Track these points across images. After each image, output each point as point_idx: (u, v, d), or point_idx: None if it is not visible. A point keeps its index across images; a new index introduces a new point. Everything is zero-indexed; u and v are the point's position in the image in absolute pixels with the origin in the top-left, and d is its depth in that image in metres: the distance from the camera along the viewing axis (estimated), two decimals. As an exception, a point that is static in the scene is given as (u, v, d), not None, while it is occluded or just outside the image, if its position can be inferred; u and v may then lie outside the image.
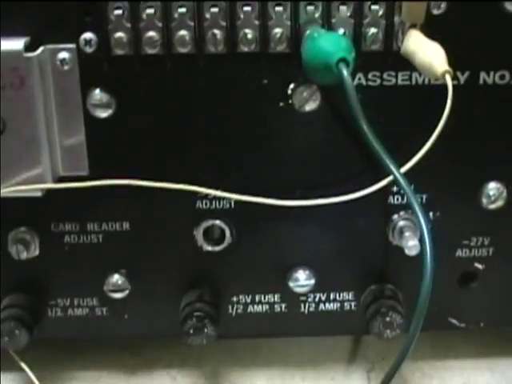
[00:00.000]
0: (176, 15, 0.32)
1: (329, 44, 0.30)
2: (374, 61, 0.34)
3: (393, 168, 0.30)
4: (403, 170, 0.32)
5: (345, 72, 0.30)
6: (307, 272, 0.38)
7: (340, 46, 0.30)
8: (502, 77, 0.35)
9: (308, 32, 0.32)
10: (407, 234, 0.36)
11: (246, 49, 0.33)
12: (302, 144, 0.35)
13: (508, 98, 0.35)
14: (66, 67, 0.33)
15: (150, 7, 0.32)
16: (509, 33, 0.34)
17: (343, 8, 0.32)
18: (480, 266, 0.39)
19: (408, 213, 0.37)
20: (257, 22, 0.32)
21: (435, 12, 0.33)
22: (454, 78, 0.34)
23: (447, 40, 0.33)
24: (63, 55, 0.33)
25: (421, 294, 0.30)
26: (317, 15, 0.32)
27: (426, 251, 0.29)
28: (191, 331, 0.37)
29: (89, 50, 0.33)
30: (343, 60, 0.30)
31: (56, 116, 0.34)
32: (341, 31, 0.33)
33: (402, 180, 0.30)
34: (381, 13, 0.33)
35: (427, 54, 0.31)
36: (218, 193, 0.35)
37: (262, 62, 0.33)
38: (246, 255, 0.38)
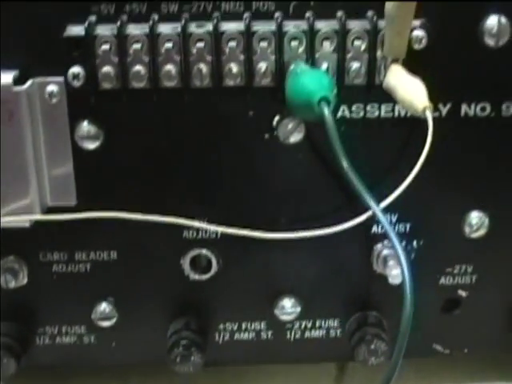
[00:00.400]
0: (162, 50, 0.33)
1: (310, 82, 0.31)
2: (358, 93, 0.34)
3: (372, 205, 0.30)
4: (384, 204, 0.33)
5: (326, 111, 0.30)
6: (293, 300, 0.38)
7: (321, 85, 0.31)
8: (483, 109, 0.35)
9: (292, 67, 0.33)
10: (391, 262, 0.37)
11: (231, 83, 0.33)
12: (288, 175, 0.36)
13: (488, 130, 0.36)
14: (54, 100, 0.34)
15: (137, 42, 0.33)
16: (489, 66, 0.34)
17: (326, 43, 0.33)
18: (463, 294, 0.39)
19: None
20: (242, 57, 0.33)
21: (416, 47, 0.33)
22: (436, 110, 0.35)
23: (429, 73, 0.34)
24: (51, 88, 0.33)
25: (401, 325, 0.30)
26: (301, 50, 0.33)
27: (405, 288, 0.29)
28: (178, 359, 0.37)
29: (77, 83, 0.33)
30: (324, 99, 0.30)
31: (44, 147, 0.34)
32: (324, 66, 0.33)
33: (381, 216, 0.30)
34: (363, 48, 0.33)
35: (408, 89, 0.32)
36: (204, 225, 0.35)
37: (247, 96, 0.34)
38: (233, 283, 0.38)
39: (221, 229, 0.35)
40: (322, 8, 0.33)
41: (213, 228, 0.35)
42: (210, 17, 0.33)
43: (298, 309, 0.39)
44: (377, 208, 0.30)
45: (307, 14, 0.33)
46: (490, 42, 0.34)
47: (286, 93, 0.32)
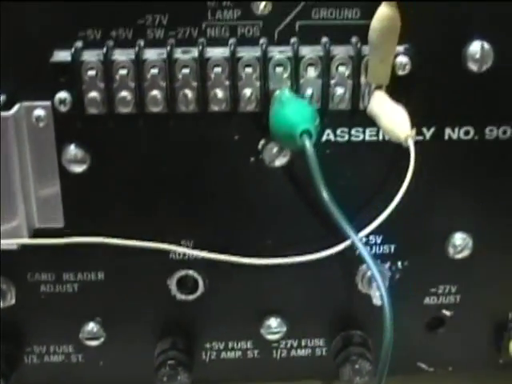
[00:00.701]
0: (148, 76, 0.33)
1: (293, 114, 0.31)
2: (342, 118, 0.35)
3: (353, 236, 0.31)
4: (366, 231, 0.33)
5: (307, 144, 0.31)
6: (279, 320, 0.39)
7: (304, 117, 0.31)
8: (467, 133, 0.36)
9: (276, 93, 0.33)
10: (375, 283, 0.37)
11: (216, 108, 0.34)
12: (274, 198, 0.36)
13: (472, 153, 0.36)
14: (41, 124, 0.34)
15: (123, 68, 0.33)
16: (473, 91, 0.35)
17: (311, 69, 0.33)
18: (447, 313, 0.39)
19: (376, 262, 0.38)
20: (227, 83, 0.33)
21: (400, 73, 0.34)
22: (420, 133, 0.35)
23: (413, 98, 0.34)
24: (38, 113, 0.34)
25: (383, 350, 0.30)
26: (285, 76, 0.33)
27: (386, 322, 0.29)
28: (165, 379, 0.38)
29: (63, 108, 0.33)
30: (306, 131, 0.31)
31: (31, 170, 0.35)
32: (309, 91, 0.34)
33: (361, 246, 0.31)
34: (347, 73, 0.33)
35: (391, 117, 0.32)
36: (188, 250, 0.36)
37: (232, 121, 0.34)
38: (219, 303, 0.38)
39: (205, 254, 0.36)
40: (306, 34, 0.34)
41: (197, 253, 0.36)
42: (196, 42, 0.33)
43: (284, 328, 0.39)
44: (357, 239, 0.31)
45: (292, 40, 0.33)
46: (473, 67, 0.34)
47: (270, 122, 0.33)
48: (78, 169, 0.35)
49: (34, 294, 0.38)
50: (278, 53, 0.33)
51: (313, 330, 0.40)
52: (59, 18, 0.33)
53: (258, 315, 0.39)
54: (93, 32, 0.33)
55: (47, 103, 0.34)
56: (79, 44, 0.33)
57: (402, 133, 0.32)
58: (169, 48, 0.33)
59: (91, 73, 0.33)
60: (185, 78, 0.33)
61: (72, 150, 0.35)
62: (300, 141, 0.31)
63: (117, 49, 0.33)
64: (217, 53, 0.33)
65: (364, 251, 0.30)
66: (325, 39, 0.33)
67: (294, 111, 0.32)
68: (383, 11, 0.32)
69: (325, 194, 0.31)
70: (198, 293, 0.38)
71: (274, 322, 0.39)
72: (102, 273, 0.38)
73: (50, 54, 0.33)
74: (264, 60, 0.33)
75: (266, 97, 0.33)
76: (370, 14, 0.33)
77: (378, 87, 0.33)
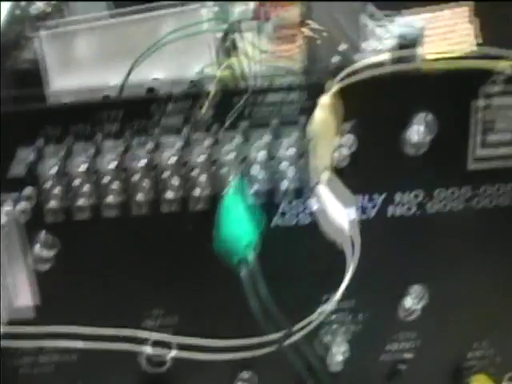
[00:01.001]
0: (102, 183, 0.34)
1: (231, 237, 0.33)
2: (292, 201, 0.37)
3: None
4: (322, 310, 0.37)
5: (243, 274, 0.33)
6: (250, 373, 0.41)
7: (241, 240, 0.33)
8: (416, 196, 0.37)
9: (225, 196, 0.35)
10: (334, 349, 0.40)
11: (167, 209, 0.35)
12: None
13: (421, 215, 0.38)
14: (6, 229, 0.35)
15: (79, 177, 0.34)
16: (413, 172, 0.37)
17: (261, 153, 0.35)
18: (409, 356, 0.42)
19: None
20: (177, 183, 0.35)
21: (344, 153, 0.35)
22: (371, 200, 0.37)
23: (358, 173, 0.36)
24: (3, 220, 0.35)
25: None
26: (237, 162, 0.35)
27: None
28: None
29: (24, 219, 0.35)
30: (243, 260, 0.33)
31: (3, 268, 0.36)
32: (260, 175, 0.35)
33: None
34: (296, 155, 0.35)
35: (333, 216, 0.34)
36: (154, 334, 0.38)
37: (184, 217, 0.36)
38: (191, 365, 0.40)
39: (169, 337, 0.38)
40: (256, 119, 0.35)
41: (164, 352, 0.38)
42: (151, 134, 0.35)
43: (256, 379, 0.41)
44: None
45: (241, 126, 0.35)
46: (413, 139, 0.36)
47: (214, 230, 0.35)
48: (45, 266, 0.36)
49: (13, 376, 0.39)
50: (228, 142, 0.35)
51: (282, 380, 0.41)
52: (20, 119, 0.34)
53: (231, 371, 0.41)
54: (53, 130, 0.34)
55: (10, 211, 0.35)
56: (34, 156, 0.34)
57: (341, 233, 0.34)
58: (118, 161, 0.34)
59: (49, 183, 0.34)
60: (135, 184, 0.35)
61: (37, 249, 0.36)
62: (237, 268, 0.33)
63: (75, 146, 0.34)
64: (166, 157, 0.35)
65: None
66: (273, 123, 0.35)
67: (232, 233, 0.33)
68: (319, 114, 0.33)
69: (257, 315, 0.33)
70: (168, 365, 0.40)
71: (245, 375, 0.41)
72: (75, 354, 0.39)
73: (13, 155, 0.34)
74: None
75: (215, 195, 0.35)
76: (317, 94, 0.34)
77: (325, 169, 0.35)
